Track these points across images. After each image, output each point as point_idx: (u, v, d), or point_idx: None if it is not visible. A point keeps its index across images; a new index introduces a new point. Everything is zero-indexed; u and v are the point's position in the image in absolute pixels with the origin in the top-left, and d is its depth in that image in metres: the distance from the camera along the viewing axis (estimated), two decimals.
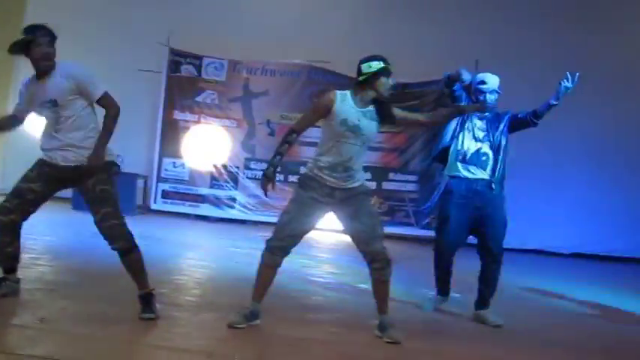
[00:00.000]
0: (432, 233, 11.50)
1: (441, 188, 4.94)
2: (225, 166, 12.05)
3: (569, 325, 5.15)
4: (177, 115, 12.07)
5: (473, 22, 11.68)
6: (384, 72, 3.91)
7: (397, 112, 4.05)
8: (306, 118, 4.15)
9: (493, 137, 4.75)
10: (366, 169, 11.55)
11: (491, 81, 4.75)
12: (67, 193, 11.15)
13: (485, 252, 4.78)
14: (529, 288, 6.76)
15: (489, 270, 4.76)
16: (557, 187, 11.15)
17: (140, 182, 11.70)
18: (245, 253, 7.55)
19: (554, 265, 9.94)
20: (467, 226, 4.77)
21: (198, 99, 12.08)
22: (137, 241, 3.90)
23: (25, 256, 5.44)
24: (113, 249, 3.86)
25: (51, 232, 7.64)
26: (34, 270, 5.00)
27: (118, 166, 4.07)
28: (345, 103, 3.90)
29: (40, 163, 3.94)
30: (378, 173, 11.89)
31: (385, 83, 3.91)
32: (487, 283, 4.78)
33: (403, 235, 11.47)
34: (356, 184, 3.95)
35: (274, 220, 12.59)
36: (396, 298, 5.07)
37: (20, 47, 3.81)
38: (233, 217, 11.80)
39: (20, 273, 4.65)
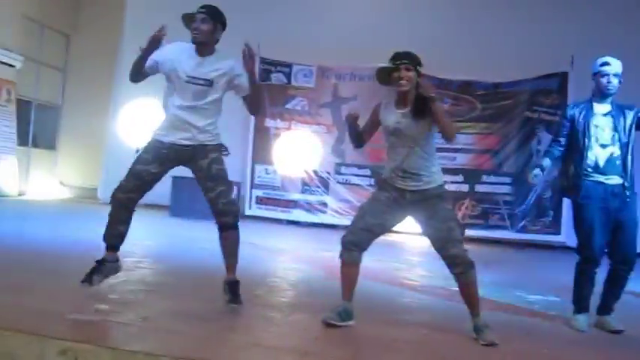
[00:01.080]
0: (527, 236, 11.30)
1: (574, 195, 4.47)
2: (315, 172, 12.17)
3: None
4: (269, 122, 12.31)
5: (567, 17, 11.32)
6: (389, 69, 3.87)
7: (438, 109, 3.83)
8: (366, 123, 4.19)
9: (621, 135, 4.39)
10: (457, 171, 11.48)
11: (615, 63, 4.42)
12: (166, 200, 11.61)
13: (618, 257, 4.44)
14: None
15: (620, 276, 4.45)
16: None
17: (236, 189, 11.97)
18: (335, 257, 7.58)
19: None
20: (608, 233, 4.40)
21: (289, 106, 12.28)
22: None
23: (128, 260, 5.69)
24: (220, 223, 4.13)
25: (151, 238, 7.94)
26: (137, 272, 5.21)
27: (227, 148, 4.25)
28: (387, 109, 3.98)
29: (157, 145, 4.12)
30: (471, 175, 11.68)
31: (396, 78, 3.84)
32: (615, 289, 4.49)
33: (498, 238, 11.22)
34: (426, 187, 3.87)
35: None
36: (493, 301, 4.98)
37: None
38: (324, 222, 11.89)
39: (124, 275, 4.86)
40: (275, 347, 3.31)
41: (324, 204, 12.11)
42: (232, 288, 4.05)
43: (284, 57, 12.28)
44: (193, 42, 4.08)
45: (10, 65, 12.75)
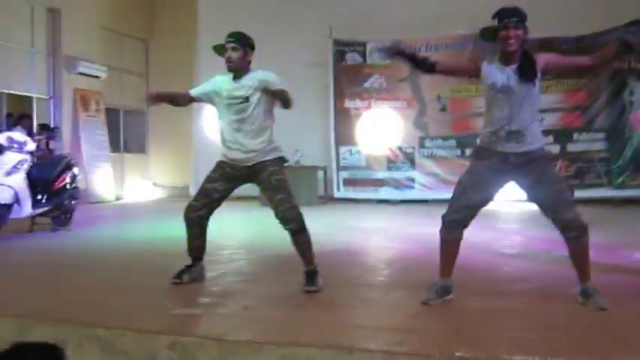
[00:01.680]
0: (627, 192, 10.80)
1: None
2: (400, 148, 12.06)
3: None
4: (348, 103, 12.28)
5: None
6: (496, 28, 3.64)
7: (547, 59, 3.73)
8: (455, 64, 3.93)
9: None
10: (547, 132, 11.07)
11: None
12: (255, 191, 11.80)
13: None
14: None
15: None
16: None
17: (320, 173, 12.03)
18: (428, 232, 7.50)
19: None
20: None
21: (366, 84, 12.20)
22: (307, 223, 4.24)
23: (224, 252, 5.85)
24: (286, 229, 4.24)
25: (243, 229, 8.10)
26: (234, 264, 5.33)
27: (286, 159, 4.46)
28: (492, 65, 3.75)
29: (221, 164, 4.42)
30: (561, 135, 11.28)
31: (504, 36, 3.61)
32: None
33: (594, 197, 10.77)
34: (531, 148, 3.67)
35: None
36: (600, 263, 4.77)
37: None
38: (414, 198, 11.78)
39: (221, 267, 5.00)
40: (376, 327, 3.29)
41: (412, 179, 11.98)
42: (308, 275, 4.21)
43: (357, 36, 12.20)
44: (229, 71, 4.34)
45: (96, 77, 13.27)
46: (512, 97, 3.65)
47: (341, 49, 12.27)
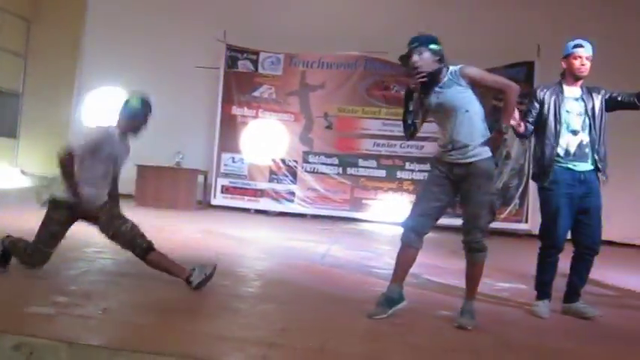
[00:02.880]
0: (493, 225, 11.28)
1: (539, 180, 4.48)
2: (283, 160, 12.06)
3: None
4: (235, 110, 12.14)
5: (532, 4, 11.36)
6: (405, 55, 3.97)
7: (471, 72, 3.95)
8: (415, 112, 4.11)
9: (591, 121, 4.36)
10: (424, 160, 11.41)
11: (587, 46, 4.38)
12: (131, 189, 11.39)
13: (585, 243, 4.42)
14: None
15: (586, 260, 4.44)
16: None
17: (201, 177, 11.81)
18: (305, 247, 7.52)
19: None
20: (571, 219, 4.38)
21: (256, 94, 12.12)
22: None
23: (89, 250, 5.56)
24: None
25: None
26: (97, 263, 5.07)
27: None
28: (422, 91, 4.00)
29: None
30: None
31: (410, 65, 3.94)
32: (581, 275, 4.49)
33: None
34: (471, 160, 3.85)
35: (334, 213, 12.55)
36: (462, 288, 4.92)
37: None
38: (292, 212, 11.80)
39: (84, 265, 4.75)
40: (241, 339, 3.21)
41: (292, 193, 12.00)
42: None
43: (251, 44, 12.11)
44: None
45: None
46: (449, 110, 3.90)
47: (234, 55, 12.13)
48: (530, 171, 4.59)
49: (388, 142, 11.59)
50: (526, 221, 11.28)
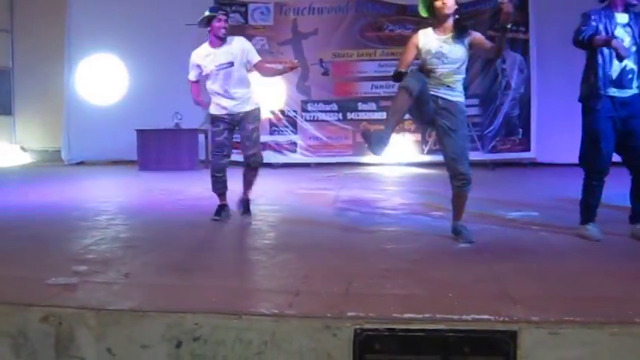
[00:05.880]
0: (498, 156, 11.31)
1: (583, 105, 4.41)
2: (282, 112, 11.98)
3: None
4: None
5: None
6: None
7: (476, 35, 4.30)
8: (407, 57, 4.36)
9: (638, 47, 4.25)
10: None
11: None
12: (133, 155, 11.40)
13: (635, 163, 4.36)
14: None
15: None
16: None
17: (201, 137, 11.74)
18: (313, 195, 7.52)
19: None
20: (614, 143, 4.33)
21: None
22: None
23: (101, 218, 5.57)
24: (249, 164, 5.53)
25: (123, 194, 7.77)
26: (112, 229, 5.07)
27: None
28: (427, 36, 4.29)
29: (217, 118, 5.50)
30: None
31: (441, 7, 4.18)
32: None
33: (469, 160, 11.20)
34: (454, 99, 4.25)
35: (338, 159, 12.51)
36: (477, 223, 4.94)
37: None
38: (296, 162, 11.78)
39: (98, 234, 4.75)
40: (266, 290, 3.23)
41: (294, 143, 11.96)
42: (246, 204, 5.63)
43: None
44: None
45: None
46: (445, 61, 4.23)
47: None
48: (579, 93, 4.40)
49: (386, 84, 11.45)
50: (530, 150, 11.26)
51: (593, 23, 4.29)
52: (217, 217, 5.39)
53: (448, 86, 4.26)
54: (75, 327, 2.79)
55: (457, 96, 4.30)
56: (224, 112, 5.43)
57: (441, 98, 4.25)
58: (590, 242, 4.34)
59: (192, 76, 5.61)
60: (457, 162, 4.26)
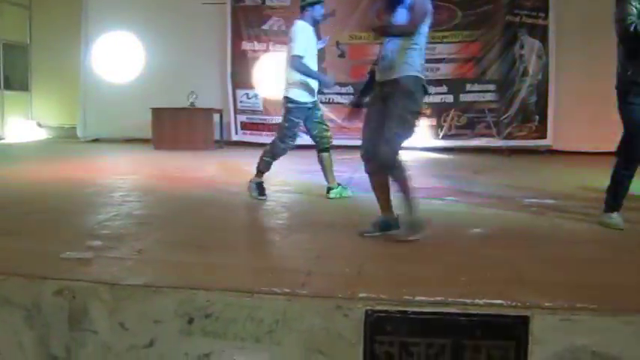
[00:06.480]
0: (514, 142, 11.22)
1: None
2: None
3: None
4: (246, 45, 11.98)
5: None
6: None
7: None
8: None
9: None
10: (441, 82, 11.28)
11: None
12: (148, 134, 11.43)
13: None
14: None
15: None
16: None
17: (216, 116, 11.75)
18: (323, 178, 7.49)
19: None
20: None
21: (265, 27, 11.92)
22: None
23: (115, 195, 5.59)
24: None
25: (136, 171, 7.80)
26: (126, 206, 5.09)
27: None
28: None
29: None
30: (454, 85, 11.48)
31: None
32: None
33: (485, 146, 11.18)
34: (394, 76, 3.80)
35: (352, 142, 12.48)
36: (494, 207, 4.91)
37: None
38: (310, 143, 11.72)
39: (112, 210, 4.78)
40: (279, 268, 3.23)
41: None
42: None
43: None
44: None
45: None
46: None
47: None
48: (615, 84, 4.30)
49: None
50: (546, 137, 11.17)
51: (634, 9, 4.08)
52: (264, 197, 5.55)
53: None
54: (88, 301, 2.81)
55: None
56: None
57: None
58: (606, 231, 4.30)
59: None
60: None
